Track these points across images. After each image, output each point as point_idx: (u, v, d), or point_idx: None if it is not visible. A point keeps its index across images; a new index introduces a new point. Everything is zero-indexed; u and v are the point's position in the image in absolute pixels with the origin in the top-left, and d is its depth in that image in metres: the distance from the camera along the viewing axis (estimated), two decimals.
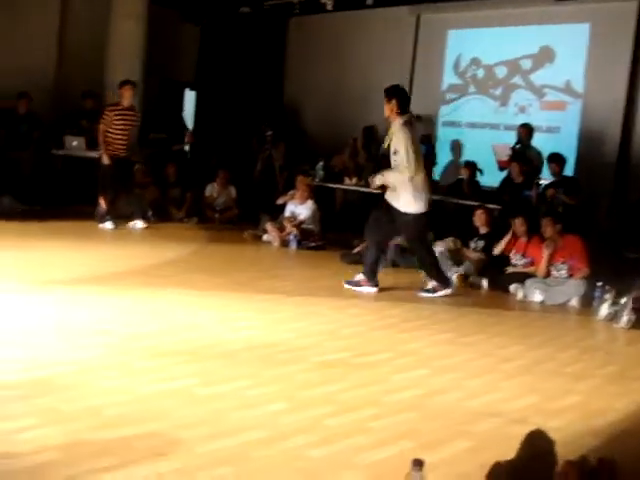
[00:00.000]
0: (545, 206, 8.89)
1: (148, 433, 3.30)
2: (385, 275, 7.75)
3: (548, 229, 7.76)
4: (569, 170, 10.07)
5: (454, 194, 10.18)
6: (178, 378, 4.08)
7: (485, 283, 8.07)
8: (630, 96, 10.48)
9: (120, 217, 9.94)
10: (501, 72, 11.92)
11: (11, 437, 3.13)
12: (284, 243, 9.69)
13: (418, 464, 2.45)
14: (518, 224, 8.07)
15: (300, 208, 10.00)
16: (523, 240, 8.08)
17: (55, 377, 3.90)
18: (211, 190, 11.38)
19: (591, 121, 10.77)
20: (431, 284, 7.38)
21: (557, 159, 9.47)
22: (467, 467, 3.26)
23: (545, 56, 11.40)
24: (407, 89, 12.50)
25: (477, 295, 7.90)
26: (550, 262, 7.66)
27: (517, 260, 8.05)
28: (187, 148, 14.26)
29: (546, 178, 9.62)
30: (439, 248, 8.51)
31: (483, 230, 8.54)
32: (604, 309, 6.89)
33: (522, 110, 11.61)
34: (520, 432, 3.01)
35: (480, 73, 12.20)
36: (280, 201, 10.39)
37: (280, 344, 5.01)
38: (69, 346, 4.49)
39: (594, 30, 10.84)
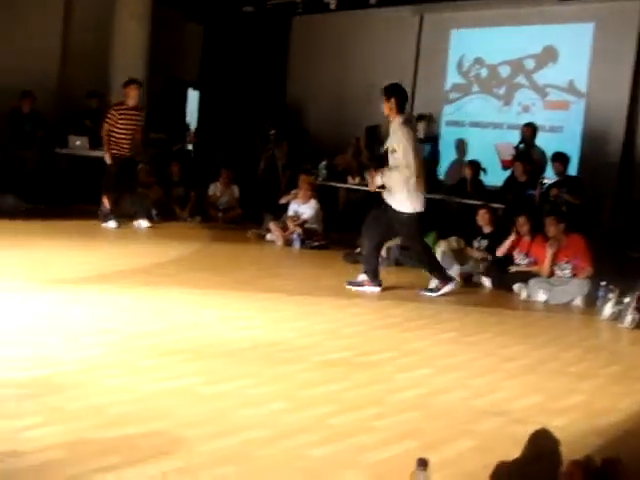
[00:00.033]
0: (549, 205, 8.87)
1: (151, 432, 3.30)
2: (388, 274, 7.75)
3: (551, 228, 7.75)
4: (572, 169, 10.06)
5: (457, 193, 10.17)
6: (181, 377, 4.07)
7: (489, 282, 8.07)
8: (634, 95, 10.47)
9: (124, 216, 9.95)
10: (504, 72, 11.91)
11: (16, 435, 3.13)
12: (287, 242, 9.70)
13: (423, 464, 2.45)
14: (521, 223, 8.06)
15: (303, 207, 10.00)
16: (526, 239, 8.06)
17: (59, 376, 3.91)
18: (214, 189, 11.39)
19: (594, 121, 10.75)
20: (434, 283, 7.37)
21: (561, 158, 9.46)
22: (471, 466, 3.25)
23: (548, 56, 11.39)
24: (410, 89, 12.69)
25: (480, 294, 7.90)
26: (554, 261, 7.65)
27: (520, 260, 8.04)
28: (190, 147, 14.30)
29: (550, 177, 9.60)
30: (442, 247, 8.52)
31: (487, 229, 8.53)
32: (608, 308, 6.88)
33: (525, 109, 11.60)
34: (524, 432, 3.01)
35: (483, 72, 12.19)
36: (283, 200, 10.39)
37: (282, 343, 5.00)
38: (73, 345, 4.49)
39: (598, 30, 10.83)
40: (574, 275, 7.58)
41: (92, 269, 6.92)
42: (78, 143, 11.18)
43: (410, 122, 7.11)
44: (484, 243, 8.47)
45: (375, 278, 7.23)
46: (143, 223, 9.93)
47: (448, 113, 12.52)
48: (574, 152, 10.38)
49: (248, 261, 8.60)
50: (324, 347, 5.02)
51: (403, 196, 7.01)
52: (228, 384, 4.04)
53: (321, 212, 10.07)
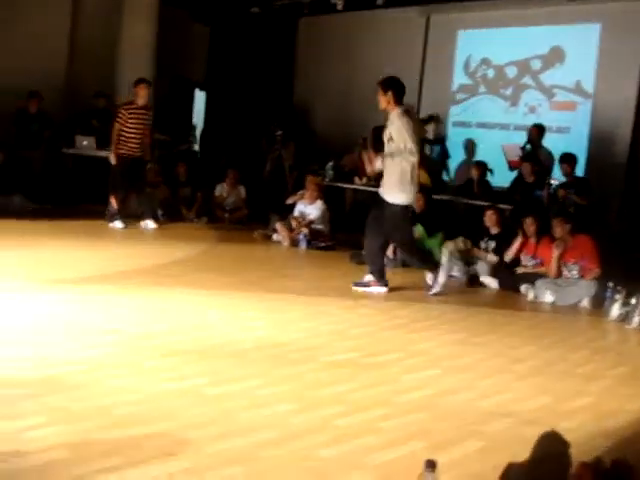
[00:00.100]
0: (557, 206, 8.84)
1: (158, 433, 3.29)
2: (395, 275, 7.73)
3: (558, 229, 7.73)
4: (579, 170, 10.03)
5: (464, 194, 10.15)
6: (188, 377, 4.06)
7: (495, 283, 8.05)
8: None
9: (130, 216, 9.95)
10: (511, 72, 11.89)
11: (20, 435, 3.12)
12: (293, 243, 9.68)
13: (431, 465, 2.43)
14: (528, 224, 8.04)
15: (309, 208, 9.99)
16: (533, 241, 8.04)
17: (64, 376, 3.89)
18: (221, 190, 11.39)
19: (601, 121, 10.73)
20: (429, 279, 7.32)
21: (569, 159, 9.43)
22: (479, 468, 3.23)
23: (555, 56, 11.37)
24: (417, 89, 12.69)
25: (487, 295, 7.88)
26: (561, 262, 7.63)
27: (527, 261, 8.01)
28: (196, 148, 14.31)
29: (557, 178, 9.57)
30: (449, 248, 8.50)
31: (494, 230, 8.50)
32: (615, 310, 6.85)
33: (532, 110, 11.58)
34: (532, 433, 2.99)
35: (490, 73, 12.17)
36: (290, 201, 10.38)
37: (290, 344, 4.99)
38: (79, 345, 4.48)
39: (604, 30, 10.81)
40: (581, 276, 7.55)
41: (98, 269, 6.92)
42: (85, 143, 11.19)
43: (408, 113, 7.05)
44: (491, 244, 8.45)
45: (381, 278, 7.21)
46: (150, 224, 9.93)
47: (455, 114, 12.52)
48: (581, 153, 10.34)
49: (254, 262, 8.59)
50: (331, 348, 5.00)
51: (397, 187, 6.96)
52: (234, 385, 4.02)
53: (328, 213, 10.05)
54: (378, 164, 7.13)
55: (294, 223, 9.83)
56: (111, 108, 11.42)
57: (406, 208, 7.12)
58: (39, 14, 11.96)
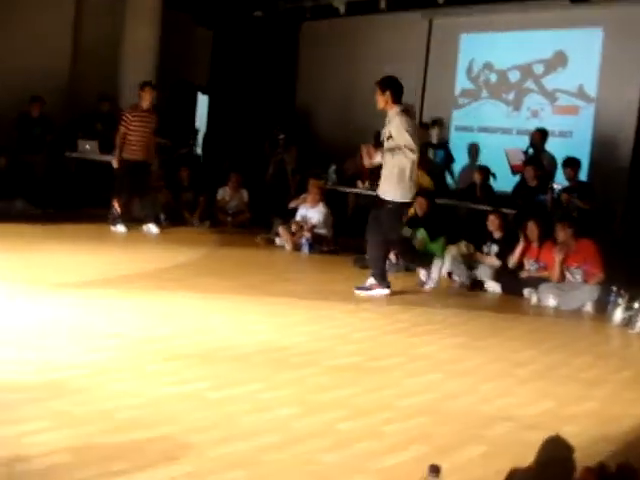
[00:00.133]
0: (560, 211, 8.83)
1: (160, 437, 3.28)
2: (397, 279, 7.73)
3: (561, 234, 7.72)
4: (582, 175, 10.01)
5: (467, 198, 10.14)
6: (190, 381, 4.06)
7: (498, 287, 8.04)
8: None
9: (133, 220, 9.95)
10: (514, 76, 11.88)
11: (23, 440, 3.11)
12: (296, 247, 9.67)
13: (435, 470, 2.42)
14: (531, 228, 8.02)
15: (312, 212, 9.97)
16: (535, 245, 8.03)
17: (67, 380, 3.89)
18: (223, 194, 11.38)
19: (604, 125, 10.71)
20: (422, 274, 7.32)
21: (572, 164, 9.41)
22: (481, 472, 3.22)
23: (558, 60, 11.36)
24: (420, 94, 12.69)
25: (490, 299, 7.87)
26: (564, 267, 7.62)
27: (530, 265, 8.00)
28: (199, 152, 14.31)
29: (559, 183, 9.56)
30: (452, 252, 8.50)
31: (496, 235, 8.49)
32: (618, 314, 6.84)
33: (535, 114, 11.57)
34: (535, 437, 2.97)
35: (493, 77, 12.16)
36: (292, 205, 10.36)
37: (292, 348, 4.98)
38: (81, 349, 4.48)
39: (607, 35, 10.80)
40: (585, 280, 7.54)
41: (100, 273, 6.91)
42: (88, 147, 11.18)
43: (407, 111, 7.03)
44: (494, 248, 8.43)
45: (383, 280, 7.19)
46: (152, 228, 9.93)
47: (457, 118, 12.51)
48: (584, 157, 10.32)
49: (257, 266, 8.58)
50: (333, 352, 5.00)
51: (395, 184, 6.96)
52: (237, 389, 4.02)
53: (330, 217, 10.04)
54: (378, 158, 7.09)
55: (294, 227, 9.81)
56: (115, 112, 11.43)
57: (402, 205, 7.10)
58: (42, 17, 11.97)
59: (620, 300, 6.86)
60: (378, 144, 11.89)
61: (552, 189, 9.30)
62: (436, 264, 7.39)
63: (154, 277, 7.01)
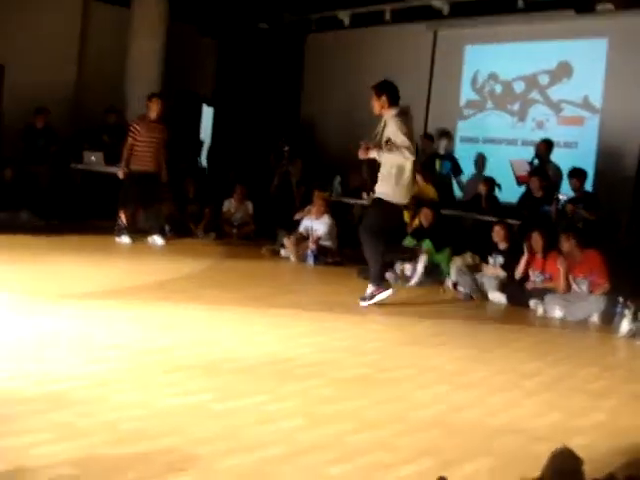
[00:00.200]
0: (565, 221, 8.81)
1: (165, 448, 3.25)
2: (404, 291, 7.70)
3: (565, 244, 7.71)
4: (587, 185, 9.99)
5: (472, 209, 10.13)
6: (194, 393, 4.03)
7: (504, 299, 8.00)
8: None
9: (138, 231, 9.95)
10: (519, 87, 11.88)
11: (25, 452, 3.08)
12: (301, 258, 9.65)
13: None
14: (535, 239, 8.00)
15: (316, 223, 9.95)
16: (539, 257, 8.00)
17: (70, 391, 3.87)
18: (228, 205, 11.39)
19: (609, 136, 10.69)
20: (407, 269, 7.19)
21: (578, 174, 9.39)
22: None
23: (563, 71, 11.36)
24: (425, 105, 12.69)
25: (496, 311, 7.84)
26: (571, 277, 7.59)
27: (536, 277, 7.97)
28: (204, 164, 14.33)
29: (565, 193, 9.54)
30: (457, 263, 8.47)
31: (502, 246, 8.46)
32: (625, 325, 6.80)
33: (540, 125, 11.55)
34: (543, 450, 2.95)
35: (498, 88, 12.16)
36: (297, 216, 10.36)
37: (297, 359, 4.95)
38: (84, 360, 4.45)
39: (612, 45, 10.79)
40: (590, 291, 7.51)
41: (103, 285, 6.90)
42: (93, 159, 11.20)
43: (405, 113, 6.98)
44: (499, 259, 8.41)
45: (382, 280, 7.12)
46: (157, 239, 9.92)
47: (462, 129, 12.50)
48: (589, 168, 10.30)
49: (261, 277, 8.56)
50: (339, 364, 4.97)
51: (392, 185, 6.91)
52: (241, 400, 3.99)
53: (335, 228, 10.02)
54: (373, 154, 6.98)
55: (295, 239, 9.78)
56: (122, 123, 11.46)
57: (394, 206, 7.05)
58: (48, 30, 12.04)
59: (626, 311, 6.82)
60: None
61: (557, 200, 9.28)
62: (421, 259, 7.23)
63: (158, 288, 7.00)
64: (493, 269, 8.37)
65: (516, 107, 11.90)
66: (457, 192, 11.44)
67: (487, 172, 11.13)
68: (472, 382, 4.85)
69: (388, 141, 6.87)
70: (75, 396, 3.81)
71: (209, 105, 15.00)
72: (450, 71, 12.59)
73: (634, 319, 6.78)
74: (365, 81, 13.17)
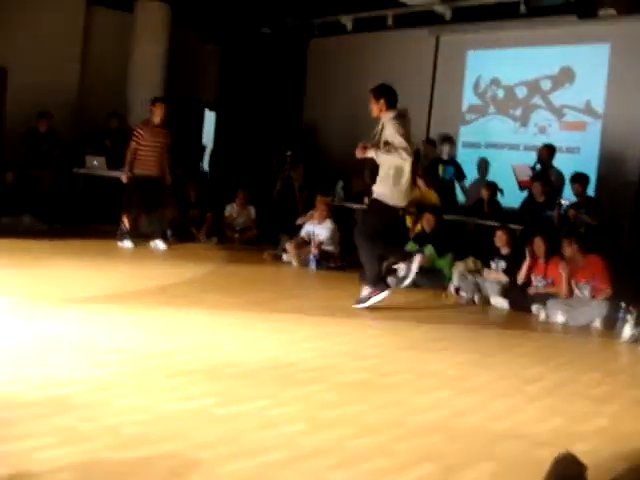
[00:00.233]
0: (567, 226, 8.81)
1: (167, 453, 3.25)
2: (405, 295, 7.69)
3: (567, 249, 7.71)
4: (589, 190, 9.98)
5: (474, 214, 10.13)
6: (196, 397, 4.02)
7: (506, 304, 8.00)
8: None
9: (140, 236, 9.95)
10: (521, 92, 11.89)
11: (27, 456, 3.08)
12: (303, 263, 9.65)
13: None
14: (537, 244, 7.99)
15: (319, 228, 9.95)
16: (541, 262, 7.99)
17: (72, 395, 3.86)
18: (230, 210, 11.39)
19: (611, 141, 10.70)
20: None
21: (581, 179, 9.39)
22: None
23: (565, 76, 11.36)
24: (427, 110, 12.69)
25: (498, 316, 7.83)
26: (573, 282, 7.59)
27: (538, 282, 7.97)
28: (206, 168, 14.35)
29: (567, 198, 9.54)
30: (459, 268, 8.47)
31: (504, 251, 8.46)
32: (627, 331, 6.79)
33: (542, 130, 11.56)
34: (546, 455, 2.94)
35: (500, 93, 12.17)
36: (299, 221, 10.36)
37: (299, 364, 4.95)
38: (86, 364, 4.45)
39: (614, 50, 10.80)
40: (593, 296, 7.50)
41: (105, 289, 6.90)
42: (95, 163, 11.21)
43: (402, 116, 6.96)
44: (502, 264, 8.40)
45: (379, 282, 7.07)
46: (160, 244, 9.93)
47: (464, 134, 12.50)
48: (591, 173, 10.30)
49: (263, 282, 8.56)
50: (340, 368, 4.96)
51: (390, 187, 6.90)
52: (243, 405, 3.98)
53: (337, 233, 10.01)
54: (370, 153, 6.97)
55: (296, 243, 9.79)
56: (124, 128, 11.48)
57: (391, 209, 7.02)
58: (51, 34, 12.07)
59: (629, 316, 6.81)
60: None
61: (560, 205, 9.28)
62: (416, 259, 7.19)
63: (160, 293, 6.99)
64: (495, 274, 8.37)
65: (518, 112, 11.91)
66: (460, 197, 11.45)
67: (489, 177, 11.13)
68: (474, 387, 4.84)
69: (386, 143, 6.87)
70: (77, 400, 3.80)
71: (211, 110, 15.02)
72: (452, 76, 12.60)
73: (636, 324, 6.78)
74: (367, 86, 13.18)
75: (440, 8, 12.29)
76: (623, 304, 7.00)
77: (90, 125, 12.08)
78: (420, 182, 10.06)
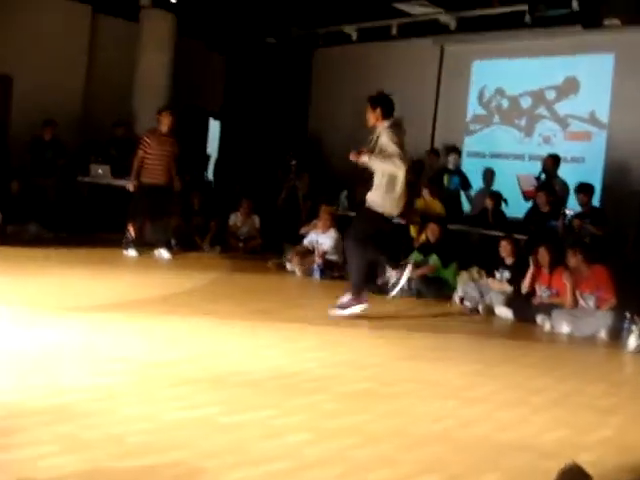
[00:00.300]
0: (572, 236, 8.80)
1: (172, 462, 3.24)
2: (410, 305, 7.68)
3: (572, 259, 7.69)
4: (594, 200, 9.98)
5: (479, 224, 10.12)
6: (200, 406, 4.01)
7: (510, 314, 7.98)
8: None
9: (145, 245, 9.96)
10: (525, 102, 11.90)
11: (31, 464, 3.07)
12: (307, 272, 9.64)
13: None
14: (542, 254, 7.98)
15: (322, 237, 9.95)
16: (546, 272, 7.98)
17: (75, 404, 3.85)
18: (235, 219, 11.39)
19: (616, 151, 10.70)
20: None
21: (586, 189, 9.38)
22: None
23: (570, 87, 11.37)
24: (431, 120, 12.70)
25: (503, 326, 7.82)
26: (578, 292, 7.57)
27: (542, 292, 7.95)
28: (210, 177, 14.36)
29: (571, 208, 9.53)
30: (464, 278, 8.46)
31: (509, 261, 8.45)
32: (632, 341, 6.77)
33: (546, 140, 11.56)
34: (552, 466, 2.93)
35: (504, 103, 12.18)
36: (303, 230, 10.36)
37: (303, 373, 4.94)
38: (90, 373, 4.44)
39: (618, 60, 10.81)
40: (597, 307, 7.48)
41: (109, 297, 6.89)
42: (100, 171, 11.23)
43: (397, 125, 6.95)
44: (506, 274, 8.39)
45: (361, 293, 6.98)
46: (164, 253, 9.93)
47: (469, 144, 12.51)
48: (596, 183, 10.29)
49: (267, 291, 8.56)
50: (345, 378, 4.95)
51: (382, 194, 6.86)
52: (248, 414, 3.97)
53: (341, 242, 9.95)
54: (364, 158, 6.94)
55: (299, 252, 9.78)
56: (130, 137, 11.50)
57: (382, 217, 6.98)
58: (57, 43, 12.11)
59: (634, 327, 6.80)
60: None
61: (564, 215, 9.27)
62: (407, 269, 7.14)
63: (164, 302, 6.99)
64: (499, 284, 8.35)
65: (523, 122, 11.92)
66: (466, 206, 11.44)
67: (494, 187, 11.13)
68: (479, 397, 4.82)
69: (380, 151, 6.86)
70: (81, 409, 3.79)
71: (216, 119, 15.05)
72: (457, 86, 12.62)
73: None
74: None
75: (445, 18, 12.33)
76: (628, 314, 6.98)
77: (95, 133, 12.10)
78: (425, 192, 10.08)
